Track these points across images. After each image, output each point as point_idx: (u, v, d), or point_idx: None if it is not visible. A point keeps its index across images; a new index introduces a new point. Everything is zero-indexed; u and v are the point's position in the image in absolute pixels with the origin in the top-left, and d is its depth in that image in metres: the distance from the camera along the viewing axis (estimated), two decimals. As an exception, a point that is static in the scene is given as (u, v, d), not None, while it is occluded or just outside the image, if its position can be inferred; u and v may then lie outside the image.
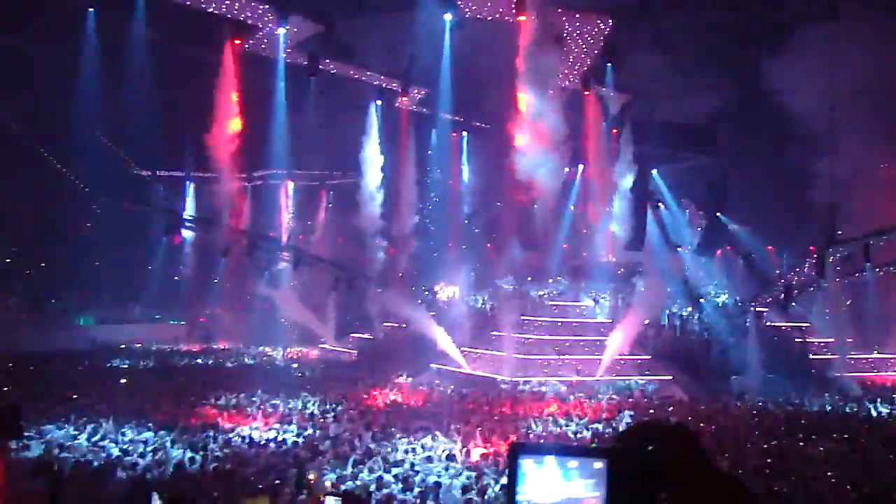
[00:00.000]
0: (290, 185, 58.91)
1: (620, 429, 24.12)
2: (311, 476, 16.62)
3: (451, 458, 19.68)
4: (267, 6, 42.59)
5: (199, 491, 15.40)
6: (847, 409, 31.38)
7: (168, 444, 20.62)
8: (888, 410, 31.36)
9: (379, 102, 51.32)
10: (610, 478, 2.18)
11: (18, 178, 48.48)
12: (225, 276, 55.28)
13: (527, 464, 2.31)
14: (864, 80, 39.99)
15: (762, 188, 49.08)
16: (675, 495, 2.10)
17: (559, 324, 41.08)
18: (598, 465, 2.23)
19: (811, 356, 41.56)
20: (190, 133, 48.18)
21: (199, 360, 43.94)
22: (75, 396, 27.39)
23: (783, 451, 21.05)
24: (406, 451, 20.32)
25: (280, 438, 22.11)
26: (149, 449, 20.12)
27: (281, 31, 44.44)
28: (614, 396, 32.93)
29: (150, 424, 22.85)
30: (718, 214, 52.95)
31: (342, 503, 7.93)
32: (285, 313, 51.11)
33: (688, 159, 53.74)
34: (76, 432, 21.78)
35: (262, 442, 21.67)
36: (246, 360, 44.83)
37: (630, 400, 32.14)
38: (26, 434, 18.06)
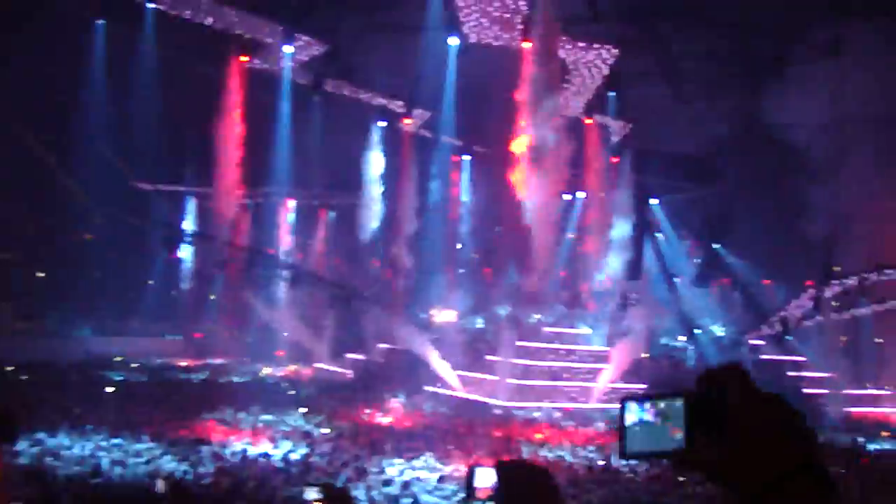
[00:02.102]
0: (291, 202, 59.01)
1: (612, 456, 24.31)
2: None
3: (441, 479, 19.75)
4: (274, 24, 42.88)
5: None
6: (840, 443, 31.45)
7: (160, 456, 20.67)
8: (882, 446, 31.46)
9: (382, 123, 51.63)
10: (686, 413, 2.59)
11: (19, 186, 48.43)
12: (222, 293, 55.31)
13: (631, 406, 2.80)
14: (865, 113, 40.29)
15: (761, 221, 49.18)
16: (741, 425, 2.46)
17: (554, 350, 41.11)
18: (678, 403, 2.70)
19: (805, 390, 41.59)
20: (193, 148, 48.38)
21: (194, 375, 43.89)
22: (68, 406, 27.39)
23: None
24: (400, 472, 20.39)
25: (271, 454, 22.17)
26: (141, 460, 20.19)
27: (287, 49, 44.70)
28: (605, 424, 32.91)
29: (143, 436, 22.91)
30: (716, 246, 53.07)
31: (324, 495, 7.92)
32: (281, 331, 51.14)
33: (687, 190, 53.85)
34: (68, 441, 21.83)
35: (254, 457, 21.73)
36: (240, 376, 44.75)
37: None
38: (19, 441, 18.08)
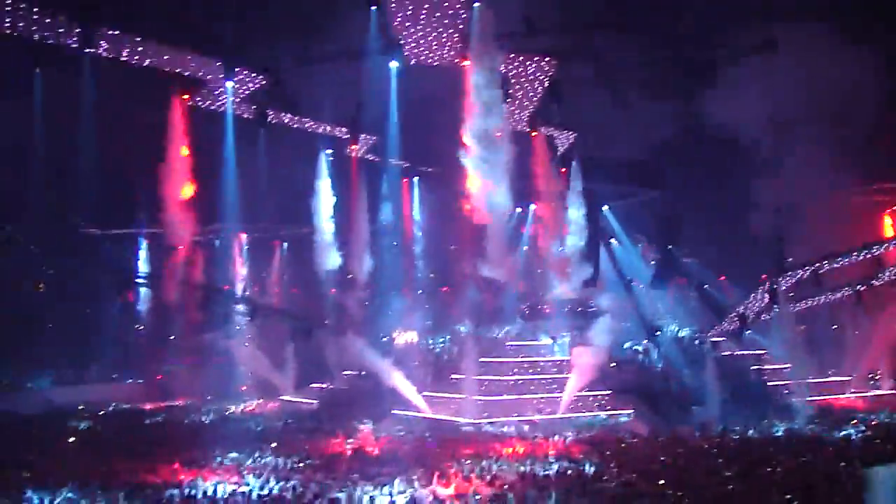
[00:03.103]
0: (243, 237, 58.79)
1: (588, 467, 24.42)
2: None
3: (413, 502, 19.76)
4: (213, 60, 42.68)
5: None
6: (806, 433, 31.91)
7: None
8: (847, 433, 31.85)
9: (329, 151, 51.56)
10: None
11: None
12: (181, 332, 54.86)
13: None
14: (805, 109, 40.87)
15: (711, 219, 49.66)
16: None
17: (518, 364, 41.18)
18: None
19: (768, 383, 41.98)
20: (141, 190, 48.05)
21: (158, 418, 43.46)
22: (31, 461, 27.00)
23: (744, 477, 21.42)
24: (371, 499, 20.33)
25: (243, 492, 22.01)
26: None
27: (228, 84, 44.51)
28: (574, 433, 33.02)
29: (111, 485, 22.63)
30: (670, 248, 53.44)
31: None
32: (243, 366, 50.81)
33: (637, 194, 54.23)
34: (36, 498, 21.50)
35: (225, 497, 21.56)
36: (205, 415, 44.39)
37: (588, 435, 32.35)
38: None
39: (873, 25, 40.10)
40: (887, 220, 53.05)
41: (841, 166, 40.40)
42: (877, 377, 45.59)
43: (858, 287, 43.39)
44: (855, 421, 34.63)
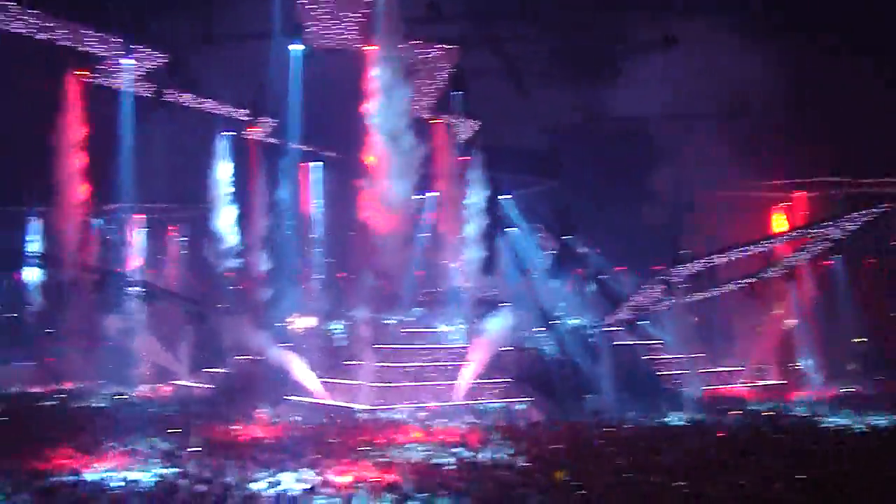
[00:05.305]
0: (139, 218, 57.79)
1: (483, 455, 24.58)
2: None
3: (311, 489, 19.67)
4: (113, 37, 41.81)
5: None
6: (697, 422, 32.62)
7: (15, 492, 19.99)
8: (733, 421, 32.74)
9: (228, 133, 50.89)
10: None
11: None
12: (73, 314, 53.76)
13: None
14: (703, 104, 41.75)
15: (609, 210, 50.28)
16: None
17: (415, 351, 41.26)
18: None
19: (661, 373, 42.74)
20: (33, 167, 46.89)
21: (48, 402, 42.55)
22: None
23: (636, 464, 21.84)
24: (266, 486, 20.20)
25: (134, 479, 21.69)
26: (-1, 498, 19.54)
27: (127, 62, 43.63)
28: (470, 421, 33.27)
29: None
30: (567, 238, 53.96)
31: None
32: (137, 350, 49.99)
33: (536, 184, 54.67)
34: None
35: (116, 484, 21.20)
36: (97, 400, 43.60)
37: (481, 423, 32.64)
38: None
39: (772, 24, 41.06)
40: (778, 216, 54.40)
41: (736, 162, 41.33)
42: (765, 368, 46.86)
43: (750, 280, 44.45)
44: (740, 410, 35.61)
